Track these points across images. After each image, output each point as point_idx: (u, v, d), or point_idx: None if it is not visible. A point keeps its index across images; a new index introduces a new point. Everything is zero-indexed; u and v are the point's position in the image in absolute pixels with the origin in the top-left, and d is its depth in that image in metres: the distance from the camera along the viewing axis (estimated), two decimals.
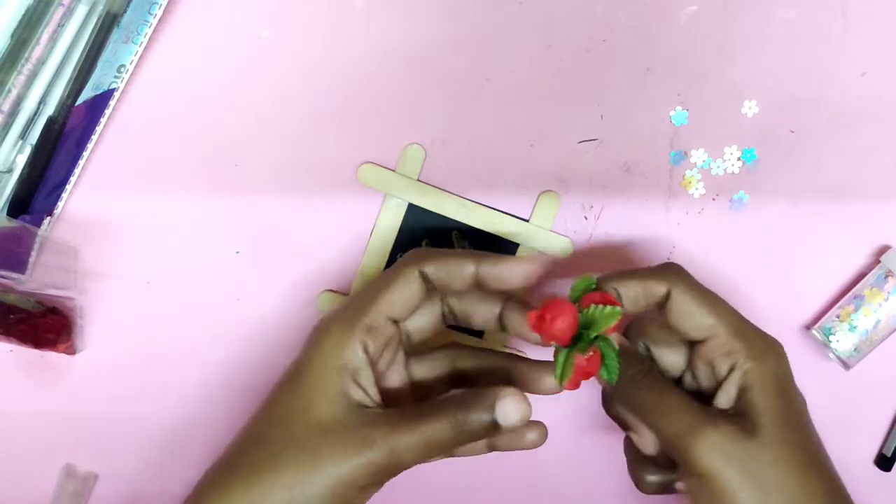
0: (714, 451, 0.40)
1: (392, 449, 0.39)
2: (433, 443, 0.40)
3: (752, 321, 0.44)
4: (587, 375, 0.41)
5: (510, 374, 0.45)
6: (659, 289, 0.43)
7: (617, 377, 0.41)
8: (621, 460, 0.48)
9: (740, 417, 0.41)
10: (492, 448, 0.46)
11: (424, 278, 0.43)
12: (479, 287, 0.43)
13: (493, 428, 0.40)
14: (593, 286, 0.42)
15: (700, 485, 0.40)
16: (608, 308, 0.40)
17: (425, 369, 0.46)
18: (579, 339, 0.40)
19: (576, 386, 0.41)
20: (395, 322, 0.43)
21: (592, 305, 0.40)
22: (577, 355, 0.40)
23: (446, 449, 0.40)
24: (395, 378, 0.44)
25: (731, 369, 0.42)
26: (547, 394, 0.44)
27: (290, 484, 0.39)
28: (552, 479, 0.55)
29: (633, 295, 0.43)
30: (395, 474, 0.40)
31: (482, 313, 0.45)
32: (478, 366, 0.46)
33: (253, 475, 0.40)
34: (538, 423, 0.45)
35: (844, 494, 0.42)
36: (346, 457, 0.39)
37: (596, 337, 0.40)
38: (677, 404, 0.42)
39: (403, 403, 0.44)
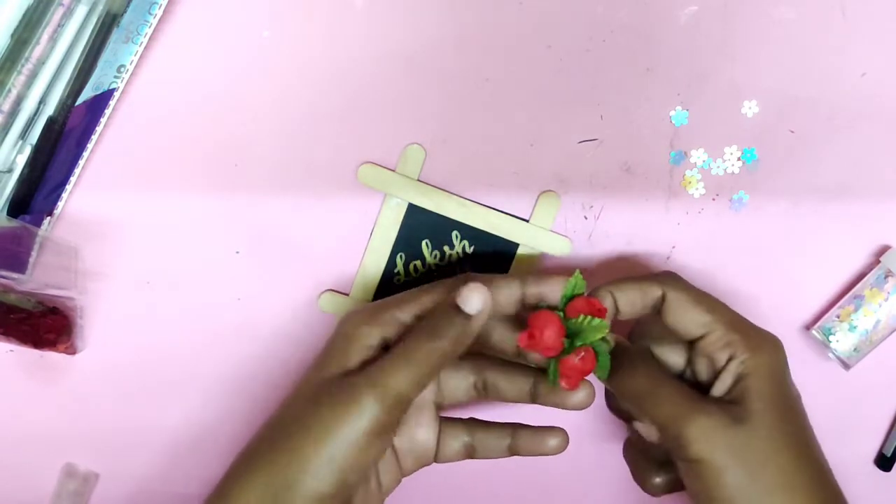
0: (704, 437, 0.41)
1: (377, 386, 0.39)
2: (412, 358, 0.40)
3: (752, 321, 0.45)
4: (583, 374, 0.42)
5: (535, 386, 0.46)
6: (654, 291, 0.44)
7: (608, 373, 0.42)
8: (622, 467, 0.48)
9: (733, 405, 0.42)
10: (513, 452, 0.47)
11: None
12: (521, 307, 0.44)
13: (466, 321, 0.41)
14: (580, 291, 0.43)
15: (691, 470, 0.41)
16: (595, 321, 0.41)
17: (452, 383, 0.47)
18: (570, 343, 0.41)
19: (575, 385, 0.42)
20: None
21: (581, 316, 0.41)
22: (569, 357, 0.41)
23: (434, 363, 0.41)
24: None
25: (729, 359, 0.43)
26: (577, 408, 0.45)
27: (306, 461, 0.39)
28: (556, 486, 0.55)
29: (630, 299, 0.44)
30: (402, 409, 0.40)
31: (515, 387, 0.46)
32: (503, 377, 0.47)
33: (270, 463, 0.40)
34: (559, 430, 0.47)
35: (832, 482, 0.43)
36: (340, 419, 0.39)
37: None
38: (671, 392, 0.43)
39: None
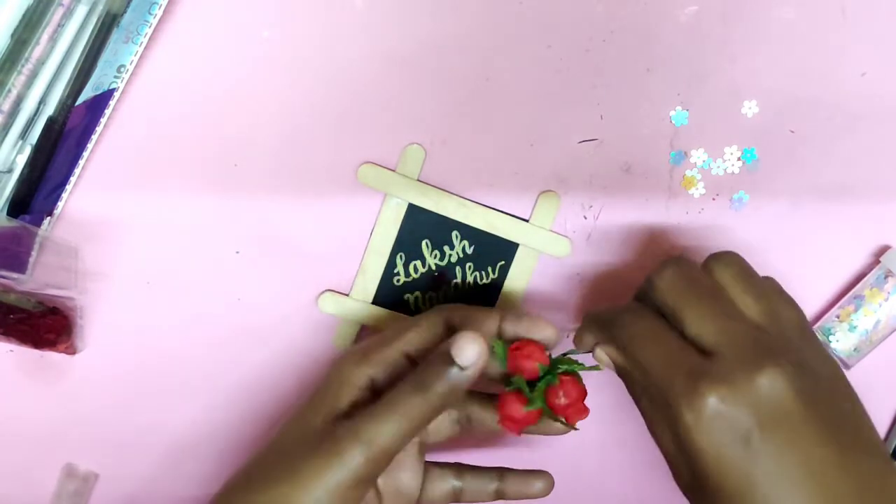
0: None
1: (361, 441, 0.39)
2: (397, 411, 0.39)
3: None
4: (580, 400, 0.43)
5: None
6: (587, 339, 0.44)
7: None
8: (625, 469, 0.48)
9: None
10: (500, 495, 0.47)
11: (449, 329, 0.44)
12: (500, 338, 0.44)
13: (459, 375, 0.39)
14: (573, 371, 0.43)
15: (695, 444, 0.38)
16: (542, 368, 0.42)
17: (436, 421, 0.45)
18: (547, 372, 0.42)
19: (572, 412, 0.43)
20: (412, 360, 0.43)
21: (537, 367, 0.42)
22: (551, 391, 0.42)
23: (422, 418, 0.40)
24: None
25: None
26: (563, 433, 0.45)
27: (298, 500, 0.39)
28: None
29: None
30: (383, 464, 0.40)
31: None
32: (487, 410, 0.47)
33: (271, 487, 0.40)
34: (545, 473, 0.47)
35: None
36: (323, 467, 0.39)
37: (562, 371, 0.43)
38: (689, 357, 0.40)
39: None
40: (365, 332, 0.53)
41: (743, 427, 0.37)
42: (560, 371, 0.43)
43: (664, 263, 0.42)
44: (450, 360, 0.39)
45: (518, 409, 0.42)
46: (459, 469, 0.47)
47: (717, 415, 0.37)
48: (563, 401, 0.42)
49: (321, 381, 0.44)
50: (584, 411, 0.43)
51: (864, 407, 0.40)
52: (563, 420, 0.43)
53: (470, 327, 0.42)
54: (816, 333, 0.52)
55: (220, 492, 0.42)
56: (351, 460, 0.39)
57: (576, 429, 0.43)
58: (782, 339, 0.39)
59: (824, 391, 0.38)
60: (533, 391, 0.42)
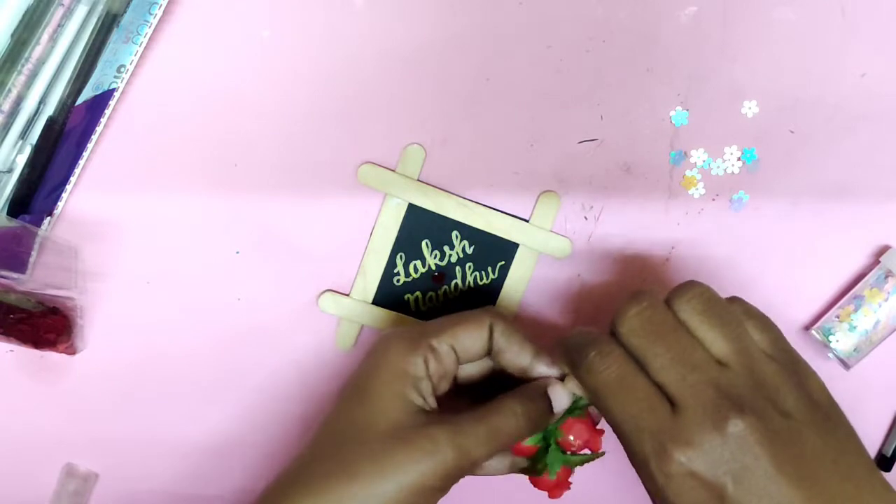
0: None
1: (458, 446, 0.40)
2: (498, 434, 0.41)
3: None
4: (588, 434, 0.44)
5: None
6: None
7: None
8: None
9: None
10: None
11: (491, 336, 0.44)
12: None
13: (549, 413, 0.43)
14: (579, 409, 0.44)
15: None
16: (591, 455, 0.44)
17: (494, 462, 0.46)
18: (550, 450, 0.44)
19: (591, 444, 0.45)
20: (457, 358, 0.44)
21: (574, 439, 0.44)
22: (563, 443, 0.44)
23: (510, 440, 0.42)
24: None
25: None
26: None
27: (362, 493, 0.39)
28: None
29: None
30: (462, 474, 0.41)
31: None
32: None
33: (324, 485, 0.40)
34: None
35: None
36: (414, 460, 0.39)
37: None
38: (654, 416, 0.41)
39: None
40: (365, 333, 0.53)
41: (716, 484, 0.37)
42: (560, 423, 0.44)
43: (627, 304, 0.41)
44: (546, 399, 0.43)
45: (546, 484, 0.44)
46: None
47: (688, 475, 0.37)
48: (577, 443, 0.44)
49: (369, 370, 0.43)
50: (600, 433, 0.44)
51: (847, 422, 0.40)
52: (589, 453, 0.44)
53: (507, 346, 0.44)
54: (816, 334, 0.52)
55: (285, 474, 0.42)
56: (443, 461, 0.40)
57: (602, 453, 0.44)
58: (749, 377, 0.38)
59: (795, 428, 0.37)
60: (538, 461, 0.44)
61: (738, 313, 0.41)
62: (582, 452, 0.44)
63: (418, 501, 0.40)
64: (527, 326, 0.53)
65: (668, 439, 0.37)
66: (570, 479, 0.44)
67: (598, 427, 0.44)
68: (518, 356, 0.44)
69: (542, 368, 0.44)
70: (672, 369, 0.39)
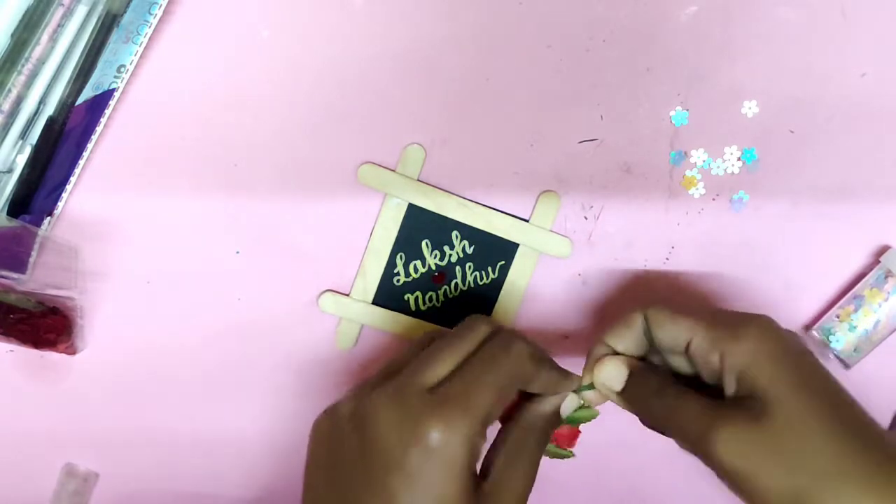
0: (730, 448, 0.38)
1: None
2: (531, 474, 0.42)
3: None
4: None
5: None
6: (636, 319, 0.44)
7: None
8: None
9: (748, 402, 0.39)
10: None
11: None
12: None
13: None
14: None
15: (732, 482, 0.39)
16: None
17: None
18: None
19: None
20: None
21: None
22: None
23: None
24: None
25: (722, 357, 0.41)
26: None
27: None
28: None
29: (623, 340, 0.45)
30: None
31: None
32: None
33: None
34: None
35: (881, 442, 0.38)
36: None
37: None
38: (689, 409, 0.41)
39: None
40: (365, 333, 0.53)
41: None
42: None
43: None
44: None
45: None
46: None
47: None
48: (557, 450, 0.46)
49: (419, 460, 0.38)
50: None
51: None
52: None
53: (536, 379, 0.43)
54: (816, 334, 0.52)
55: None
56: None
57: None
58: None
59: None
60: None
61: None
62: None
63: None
64: (527, 327, 0.53)
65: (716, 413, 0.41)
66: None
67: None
68: (545, 385, 0.44)
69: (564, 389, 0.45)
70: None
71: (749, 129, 0.52)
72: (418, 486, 0.37)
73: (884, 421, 0.55)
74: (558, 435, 0.46)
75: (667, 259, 0.53)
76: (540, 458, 0.43)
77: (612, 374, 0.44)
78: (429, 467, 0.37)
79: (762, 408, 0.38)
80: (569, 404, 0.45)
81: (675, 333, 0.43)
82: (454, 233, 0.52)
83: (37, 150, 0.49)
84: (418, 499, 0.37)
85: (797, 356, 0.40)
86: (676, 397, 0.42)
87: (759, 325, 0.41)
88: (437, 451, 0.37)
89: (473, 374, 0.40)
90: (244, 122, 0.51)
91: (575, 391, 0.45)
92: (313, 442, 0.41)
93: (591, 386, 0.44)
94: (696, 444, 0.40)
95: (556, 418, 0.44)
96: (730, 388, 0.40)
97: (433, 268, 0.52)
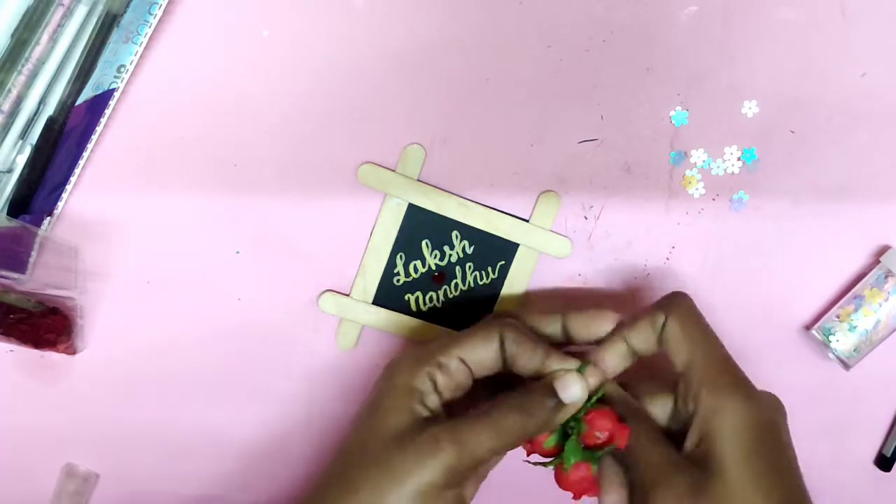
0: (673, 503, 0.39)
1: (459, 441, 0.40)
2: (498, 429, 0.41)
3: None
4: (612, 427, 0.43)
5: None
6: (660, 318, 0.44)
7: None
8: None
9: (700, 467, 0.40)
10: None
11: (502, 344, 0.44)
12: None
13: (557, 408, 0.42)
14: (600, 397, 0.44)
15: None
16: (612, 447, 0.43)
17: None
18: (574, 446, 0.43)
19: (617, 437, 0.43)
20: (470, 371, 0.44)
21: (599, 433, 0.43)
22: (587, 437, 0.43)
23: (513, 435, 0.42)
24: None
25: (695, 411, 0.41)
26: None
27: (390, 494, 0.40)
28: None
29: (644, 337, 0.44)
30: (471, 470, 0.41)
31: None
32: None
33: (354, 492, 0.40)
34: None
35: None
36: (415, 461, 0.40)
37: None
38: (647, 455, 0.42)
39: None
40: (366, 333, 0.53)
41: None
42: (582, 415, 0.43)
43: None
44: (553, 393, 0.42)
45: (567, 482, 0.43)
46: None
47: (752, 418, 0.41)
48: (602, 436, 0.43)
49: (377, 391, 0.44)
50: (626, 429, 0.43)
51: None
52: (616, 446, 0.43)
53: (518, 351, 0.44)
54: (816, 334, 0.52)
55: (309, 496, 0.43)
56: (447, 459, 0.40)
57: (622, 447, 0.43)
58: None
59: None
60: (561, 457, 0.43)
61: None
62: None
63: (427, 501, 0.40)
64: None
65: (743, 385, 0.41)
66: (593, 479, 0.43)
67: (624, 424, 0.43)
68: (531, 360, 0.44)
69: (554, 364, 0.44)
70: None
71: (749, 129, 0.52)
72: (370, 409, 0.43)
73: (884, 421, 0.55)
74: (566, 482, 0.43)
75: (667, 259, 0.53)
76: (519, 421, 0.42)
77: (617, 359, 0.45)
78: (378, 394, 0.44)
79: (709, 483, 0.39)
80: (572, 387, 0.43)
81: (677, 356, 0.43)
82: (454, 233, 0.52)
83: (37, 150, 0.49)
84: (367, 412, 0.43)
85: (766, 449, 0.40)
86: (642, 435, 0.42)
87: (748, 401, 0.41)
88: (390, 382, 0.43)
89: (456, 333, 0.45)
90: (244, 122, 0.51)
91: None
92: None
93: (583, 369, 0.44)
94: (643, 493, 0.40)
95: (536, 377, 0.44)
96: (690, 443, 0.41)
97: (433, 268, 0.52)
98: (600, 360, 0.45)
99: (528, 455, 0.44)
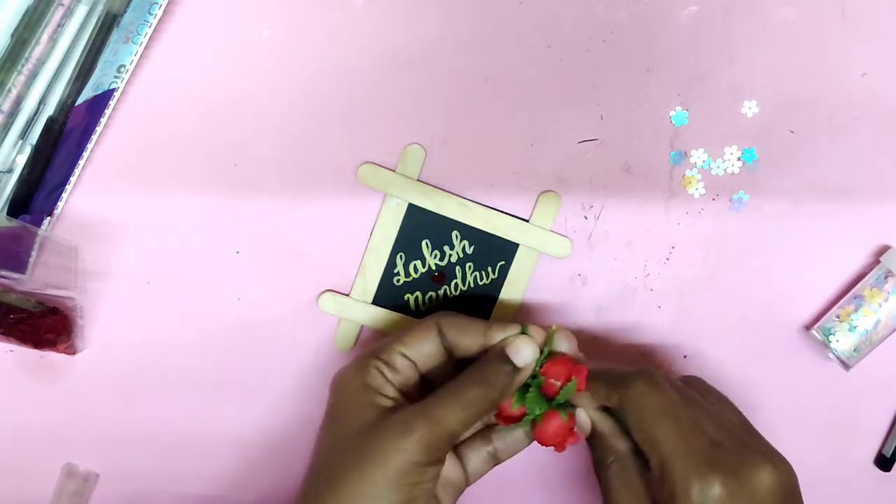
0: None
1: (429, 416, 0.41)
2: (464, 400, 0.42)
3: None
4: (566, 436, 0.45)
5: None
6: (612, 397, 0.44)
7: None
8: None
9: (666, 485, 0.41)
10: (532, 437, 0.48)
11: (441, 334, 0.46)
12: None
13: (514, 373, 0.44)
14: (551, 353, 0.45)
15: None
16: (570, 386, 0.44)
17: (474, 461, 0.48)
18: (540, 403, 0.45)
19: (563, 448, 0.45)
20: (415, 365, 0.46)
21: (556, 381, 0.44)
22: (544, 427, 0.44)
23: (480, 405, 0.43)
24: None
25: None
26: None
27: (352, 495, 0.41)
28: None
29: (596, 397, 0.45)
30: (448, 444, 0.42)
31: (517, 440, 0.48)
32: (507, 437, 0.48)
33: (338, 485, 0.41)
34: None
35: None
36: (395, 445, 0.41)
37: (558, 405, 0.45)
38: (627, 493, 0.43)
39: None
40: (365, 333, 0.53)
41: None
42: (539, 367, 0.45)
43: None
44: (506, 360, 0.44)
45: (547, 435, 0.44)
46: (484, 434, 0.48)
47: (722, 502, 0.40)
48: (558, 383, 0.44)
49: (334, 401, 0.45)
50: (583, 369, 0.44)
51: None
52: (576, 386, 0.44)
53: (458, 335, 0.46)
54: (816, 334, 0.52)
55: (297, 499, 0.43)
56: (421, 435, 0.41)
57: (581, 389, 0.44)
58: (765, 443, 0.44)
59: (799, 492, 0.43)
60: (525, 399, 0.44)
61: (720, 395, 0.47)
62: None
63: (411, 480, 0.41)
64: None
65: (716, 466, 0.40)
66: (574, 430, 0.45)
67: (580, 366, 0.45)
68: (472, 338, 0.45)
69: (497, 334, 0.45)
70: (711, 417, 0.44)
71: (749, 129, 0.52)
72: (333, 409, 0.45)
73: (884, 421, 0.55)
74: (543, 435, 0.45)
75: (667, 259, 0.53)
76: (483, 391, 0.43)
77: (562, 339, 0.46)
78: (336, 402, 0.45)
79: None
80: (523, 350, 0.44)
81: (639, 439, 0.44)
82: (454, 233, 0.52)
83: (37, 150, 0.49)
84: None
85: None
86: (688, 419, 0.43)
87: (733, 479, 0.41)
88: (342, 388, 0.45)
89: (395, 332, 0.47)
90: (244, 122, 0.51)
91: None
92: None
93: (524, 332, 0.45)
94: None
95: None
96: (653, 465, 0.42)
97: (433, 268, 0.52)
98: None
99: (499, 423, 0.45)
